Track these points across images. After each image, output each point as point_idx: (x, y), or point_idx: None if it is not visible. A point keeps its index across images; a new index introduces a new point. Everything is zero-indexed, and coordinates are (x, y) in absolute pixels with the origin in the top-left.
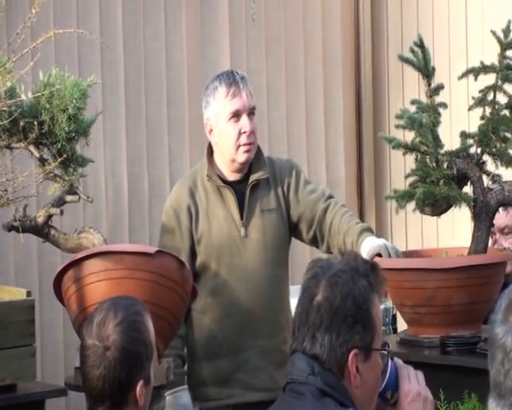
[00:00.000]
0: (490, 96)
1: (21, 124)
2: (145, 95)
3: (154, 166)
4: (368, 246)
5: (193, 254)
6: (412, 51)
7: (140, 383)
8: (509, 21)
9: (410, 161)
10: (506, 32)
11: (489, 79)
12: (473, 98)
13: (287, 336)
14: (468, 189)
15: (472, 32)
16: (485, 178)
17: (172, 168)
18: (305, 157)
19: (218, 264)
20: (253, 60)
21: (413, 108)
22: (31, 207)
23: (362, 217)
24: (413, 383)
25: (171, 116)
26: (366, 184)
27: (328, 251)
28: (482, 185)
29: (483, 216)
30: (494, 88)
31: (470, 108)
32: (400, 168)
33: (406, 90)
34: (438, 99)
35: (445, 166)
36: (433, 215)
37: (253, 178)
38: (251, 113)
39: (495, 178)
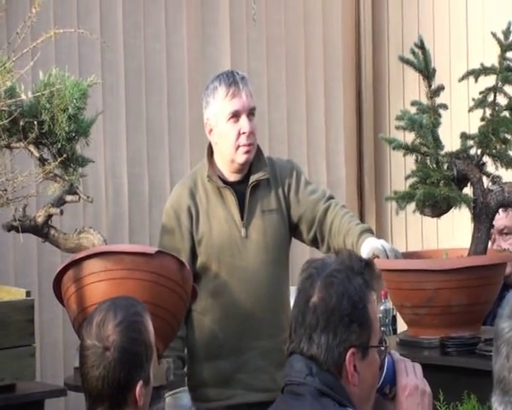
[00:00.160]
0: (490, 98)
1: (21, 123)
2: (145, 95)
3: (155, 167)
4: (368, 247)
5: (193, 255)
6: (413, 52)
7: (139, 384)
8: (510, 23)
9: (411, 162)
10: (506, 33)
11: (489, 80)
12: (473, 100)
13: (287, 337)
14: (468, 190)
15: (472, 34)
16: (485, 179)
17: (173, 169)
18: (306, 158)
19: (218, 265)
20: (254, 60)
21: (413, 110)
22: (30, 206)
23: (362, 218)
24: (410, 377)
25: (171, 117)
26: (366, 185)
27: (329, 252)
28: (482, 187)
29: (483, 217)
30: (494, 89)
31: (470, 110)
32: (400, 169)
33: (407, 91)
34: (438, 100)
35: (446, 167)
36: (433, 216)
37: (253, 178)
38: (250, 113)
39: (495, 180)
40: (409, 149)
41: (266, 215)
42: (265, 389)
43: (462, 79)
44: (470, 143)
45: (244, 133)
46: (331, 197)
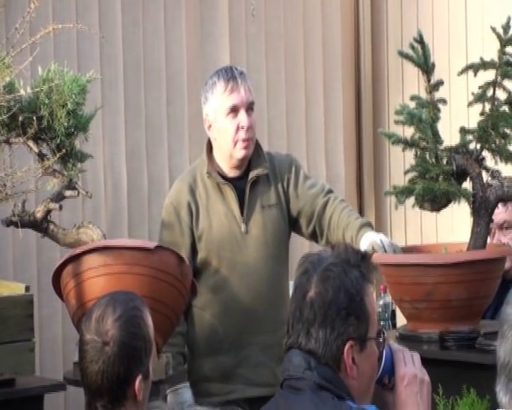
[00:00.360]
0: (489, 93)
1: (20, 119)
2: (144, 91)
3: (154, 162)
4: (367, 241)
5: (193, 250)
6: (412, 47)
7: (139, 379)
8: (509, 18)
9: (410, 157)
10: (506, 28)
11: (488, 75)
12: (472, 94)
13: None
14: (467, 185)
15: (472, 29)
16: (484, 173)
17: (172, 164)
18: (305, 153)
19: (218, 260)
20: (253, 56)
21: (412, 104)
22: (29, 202)
23: (361, 212)
24: (409, 366)
25: (170, 112)
26: (365, 180)
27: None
28: (481, 181)
29: (482, 212)
30: (494, 84)
31: (470, 104)
32: (400, 164)
33: (406, 85)
34: (437, 95)
35: (445, 161)
36: (432, 211)
37: (252, 174)
38: (249, 108)
39: (494, 174)
40: (408, 144)
41: (266, 210)
42: (266, 383)
43: (462, 73)
44: (469, 137)
45: (243, 128)
46: (330, 191)
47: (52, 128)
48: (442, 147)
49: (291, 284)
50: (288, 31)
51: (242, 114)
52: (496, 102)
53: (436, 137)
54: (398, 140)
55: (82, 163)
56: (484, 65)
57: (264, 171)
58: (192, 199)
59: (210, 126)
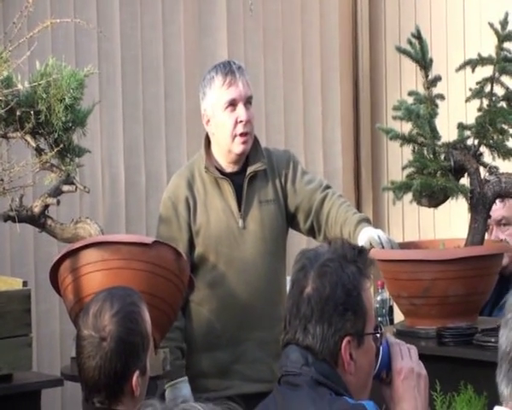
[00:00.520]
0: (487, 88)
1: (18, 113)
2: (142, 85)
3: (151, 157)
4: (365, 237)
5: (191, 246)
6: (410, 43)
7: (136, 374)
8: (507, 13)
9: (408, 153)
10: (503, 23)
11: (486, 70)
12: (470, 90)
13: None
14: (465, 180)
15: (469, 24)
16: (482, 169)
17: (169, 159)
18: (303, 148)
19: (216, 256)
20: (251, 51)
21: (410, 100)
22: (27, 197)
23: (359, 208)
24: (405, 360)
25: (168, 107)
26: (363, 175)
27: None
28: (479, 177)
29: (480, 208)
30: (491, 80)
31: (467, 100)
32: (397, 159)
33: (404, 81)
34: (435, 91)
35: (443, 157)
36: (430, 207)
37: (250, 169)
38: (247, 102)
39: (492, 170)
40: (406, 140)
41: (264, 206)
42: (263, 379)
43: (460, 69)
44: (467, 133)
45: (241, 122)
46: (328, 187)
47: (50, 123)
48: (440, 143)
49: (288, 279)
50: (285, 25)
51: (241, 108)
52: (493, 98)
53: (434, 133)
54: (395, 136)
55: (79, 158)
56: (482, 61)
57: (262, 166)
58: (190, 194)
59: (208, 121)
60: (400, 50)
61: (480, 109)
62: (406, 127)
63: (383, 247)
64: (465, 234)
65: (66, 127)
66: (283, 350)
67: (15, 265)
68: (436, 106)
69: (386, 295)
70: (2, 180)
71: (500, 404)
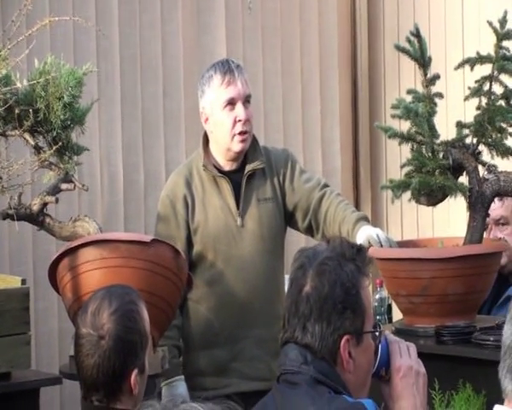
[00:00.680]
0: (486, 87)
1: (16, 111)
2: (141, 84)
3: (150, 156)
4: (363, 235)
5: (189, 243)
6: (408, 41)
7: (134, 372)
8: (506, 12)
9: (406, 151)
10: (502, 22)
11: (485, 69)
12: (469, 88)
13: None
14: (463, 179)
15: (468, 22)
16: (480, 168)
17: (168, 157)
18: (301, 147)
19: (214, 254)
20: (249, 49)
21: (409, 98)
22: (26, 195)
23: (357, 206)
24: (404, 358)
25: (166, 105)
26: (362, 174)
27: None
28: (478, 175)
29: (478, 206)
30: (490, 78)
31: (466, 99)
32: (396, 158)
33: (402, 79)
34: (434, 89)
35: (441, 156)
36: (428, 205)
37: (249, 167)
38: (246, 101)
39: (490, 169)
40: (404, 138)
41: (262, 204)
42: (261, 378)
43: (458, 67)
44: (466, 131)
45: (240, 121)
46: (326, 185)
47: (48, 121)
48: (438, 141)
49: (287, 278)
50: (284, 24)
51: (239, 106)
52: (492, 97)
53: (432, 131)
54: (394, 134)
55: (78, 156)
56: (480, 59)
57: (260, 165)
58: (188, 192)
59: (207, 120)
60: (399, 49)
61: (478, 108)
62: (405, 126)
63: (382, 245)
64: (464, 232)
65: (65, 125)
66: (282, 349)
67: (14, 263)
68: (435, 104)
69: (385, 293)
70: (0, 178)
71: (499, 402)
